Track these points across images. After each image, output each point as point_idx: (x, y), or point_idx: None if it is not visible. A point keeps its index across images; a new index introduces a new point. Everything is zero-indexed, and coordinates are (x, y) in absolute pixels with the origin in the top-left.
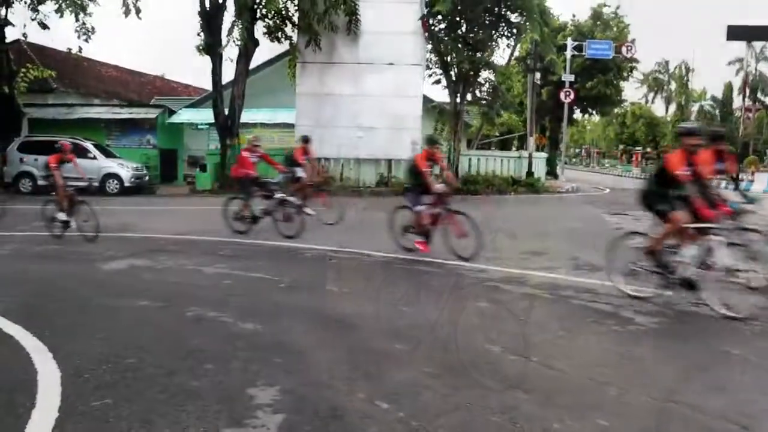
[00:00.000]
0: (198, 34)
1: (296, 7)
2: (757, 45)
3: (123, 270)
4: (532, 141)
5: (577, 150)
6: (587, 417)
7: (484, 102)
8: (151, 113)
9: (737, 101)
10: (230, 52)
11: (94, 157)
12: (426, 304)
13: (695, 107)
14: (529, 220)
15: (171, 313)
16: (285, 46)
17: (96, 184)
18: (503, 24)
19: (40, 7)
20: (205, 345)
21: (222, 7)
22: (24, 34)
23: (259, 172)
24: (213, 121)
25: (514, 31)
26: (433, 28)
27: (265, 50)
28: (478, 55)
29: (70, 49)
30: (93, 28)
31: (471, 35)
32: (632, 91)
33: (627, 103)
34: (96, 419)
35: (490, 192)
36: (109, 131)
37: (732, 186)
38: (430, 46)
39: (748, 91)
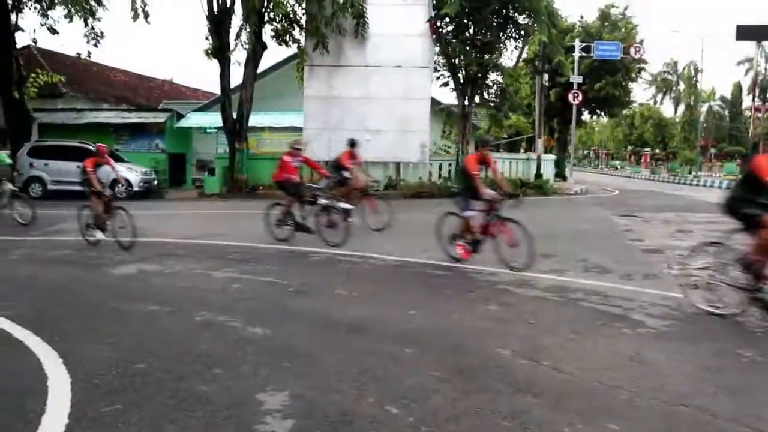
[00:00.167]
0: (206, 38)
1: (304, 11)
2: (767, 44)
3: (132, 275)
4: (540, 143)
5: (586, 152)
6: (597, 421)
7: (492, 104)
8: (159, 117)
9: (746, 101)
10: (238, 56)
11: None
12: (435, 307)
13: (704, 108)
14: (538, 223)
15: (180, 317)
16: (293, 49)
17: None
18: (511, 26)
19: (49, 13)
20: (214, 349)
21: (230, 11)
22: (34, 40)
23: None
24: (221, 124)
25: (522, 32)
26: (440, 30)
27: (273, 54)
28: (486, 57)
29: (79, 54)
30: (102, 32)
31: (479, 37)
32: (641, 92)
33: (635, 104)
34: (106, 425)
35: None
36: (118, 136)
37: None
38: (437, 49)
39: (757, 90)
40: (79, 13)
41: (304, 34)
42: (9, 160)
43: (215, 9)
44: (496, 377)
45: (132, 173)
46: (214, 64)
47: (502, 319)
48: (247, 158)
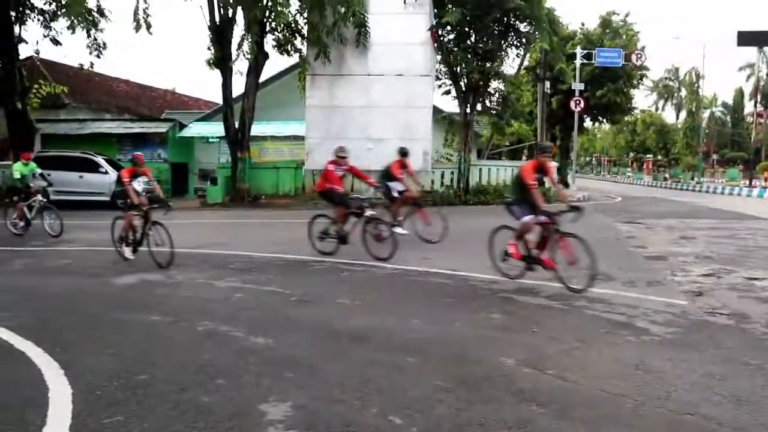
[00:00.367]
0: (208, 48)
1: (305, 20)
2: None
3: (134, 284)
4: None
5: (588, 158)
6: (603, 430)
7: (494, 112)
8: (161, 127)
9: (748, 107)
10: (240, 66)
11: (106, 172)
12: (438, 316)
13: (706, 114)
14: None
15: (182, 327)
16: (295, 58)
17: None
18: (512, 34)
19: (52, 24)
20: (216, 360)
21: (232, 21)
22: (37, 51)
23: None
24: (223, 134)
25: (524, 40)
26: (442, 38)
27: (275, 63)
28: (488, 65)
29: (81, 65)
30: (104, 43)
31: (480, 45)
32: (642, 99)
33: (637, 110)
34: None
35: (501, 202)
36: (120, 146)
37: None
38: (439, 57)
39: (759, 96)
40: (82, 25)
41: (305, 43)
42: (39, 170)
43: (217, 19)
44: (501, 387)
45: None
46: (216, 74)
47: (506, 328)
48: (249, 167)
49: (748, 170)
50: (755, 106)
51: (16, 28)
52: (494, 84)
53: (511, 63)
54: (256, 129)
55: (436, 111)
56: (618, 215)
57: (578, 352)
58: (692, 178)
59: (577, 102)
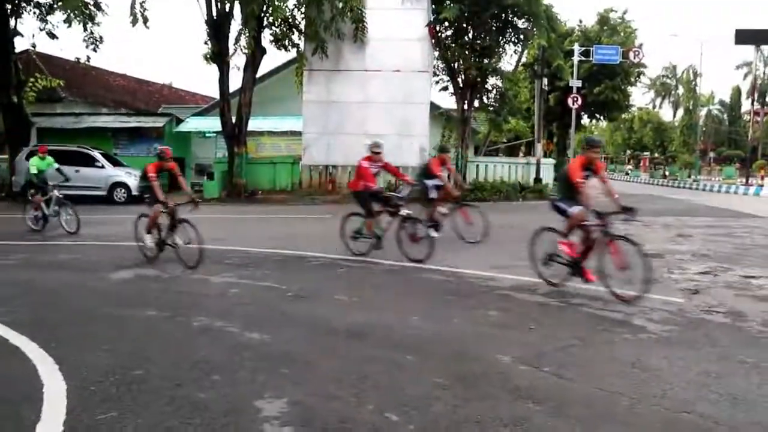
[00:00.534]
0: (205, 43)
1: (303, 15)
2: (766, 48)
3: (130, 279)
4: (539, 147)
5: None
6: (599, 428)
7: (491, 108)
8: (158, 122)
9: (745, 105)
10: (237, 61)
11: (102, 166)
12: (435, 312)
13: (703, 111)
14: (538, 227)
15: (178, 323)
16: (292, 53)
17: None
18: (510, 30)
19: (49, 18)
20: (211, 356)
21: (229, 16)
22: (33, 44)
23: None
24: (220, 129)
25: (521, 37)
26: (440, 34)
27: (272, 58)
28: (485, 61)
29: (78, 59)
30: (101, 37)
31: (478, 42)
32: (640, 96)
33: (634, 108)
34: None
35: (497, 198)
36: (116, 140)
37: None
38: (437, 53)
39: (756, 94)
40: (79, 18)
41: (303, 38)
42: (56, 165)
43: (214, 14)
44: (497, 384)
45: (131, 178)
46: (214, 69)
47: (503, 325)
48: (246, 163)
49: (745, 168)
50: (752, 104)
51: (12, 21)
52: (492, 80)
53: (509, 59)
54: (253, 124)
55: (434, 107)
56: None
57: (575, 350)
58: (689, 176)
59: (575, 99)
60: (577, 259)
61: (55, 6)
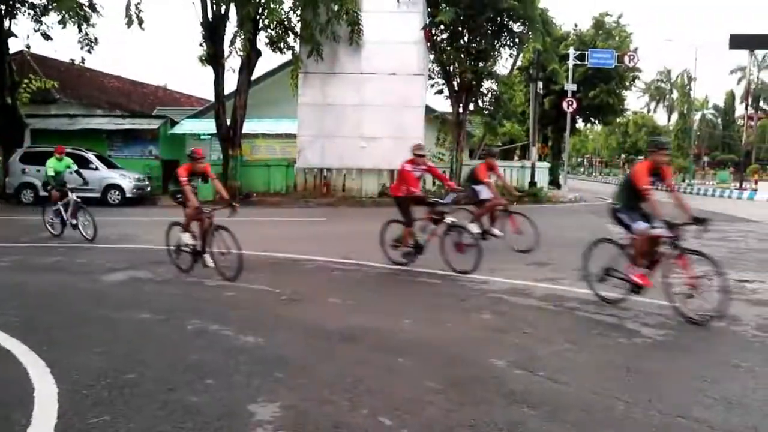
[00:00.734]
0: (200, 45)
1: (298, 18)
2: (759, 53)
3: (123, 282)
4: (534, 151)
5: (580, 159)
6: None
7: (486, 112)
8: (153, 124)
9: (739, 109)
10: (233, 63)
11: (96, 168)
12: (429, 316)
13: (697, 116)
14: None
15: (171, 326)
16: (287, 56)
17: (98, 194)
18: (506, 34)
19: (43, 19)
20: (205, 359)
21: (224, 18)
22: (27, 45)
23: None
24: (215, 131)
25: (517, 40)
26: (435, 38)
27: (268, 61)
28: (481, 64)
29: (72, 60)
30: (96, 39)
31: (473, 45)
32: (634, 100)
33: (629, 112)
34: None
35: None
36: (111, 142)
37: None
38: (432, 56)
39: (750, 99)
40: (73, 19)
41: (298, 41)
42: (75, 166)
43: (210, 16)
44: (492, 388)
45: (125, 180)
46: (209, 71)
47: (497, 329)
48: (240, 165)
49: (739, 173)
50: (746, 108)
51: (6, 22)
52: (487, 84)
53: (504, 63)
54: (248, 126)
55: (429, 110)
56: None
57: (569, 354)
58: (683, 180)
59: (570, 103)
60: (645, 262)
61: (50, 7)
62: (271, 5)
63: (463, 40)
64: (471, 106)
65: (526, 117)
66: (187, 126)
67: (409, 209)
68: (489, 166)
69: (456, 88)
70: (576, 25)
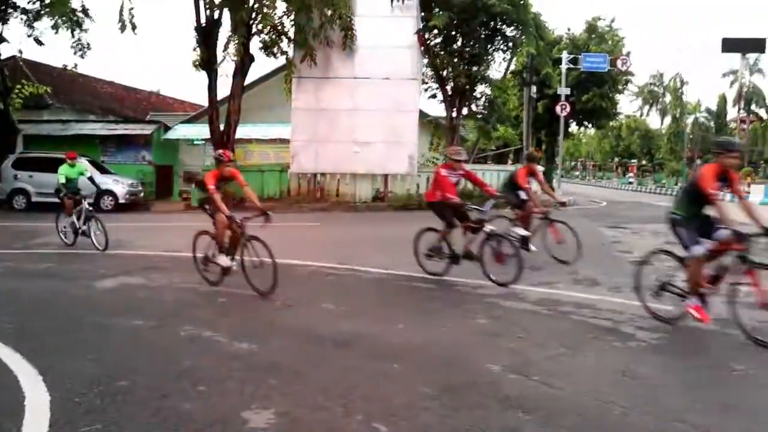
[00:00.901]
0: (194, 50)
1: (292, 23)
2: (751, 57)
3: (116, 288)
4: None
5: (573, 163)
6: None
7: (480, 116)
8: (146, 129)
9: (731, 113)
10: (226, 68)
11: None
12: (423, 321)
13: (690, 119)
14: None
15: (164, 332)
16: (281, 61)
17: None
18: (499, 38)
19: (36, 24)
20: (198, 366)
21: (218, 23)
22: (20, 51)
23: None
24: (209, 136)
25: (510, 44)
26: (428, 42)
27: (261, 65)
28: (474, 69)
29: (65, 65)
30: (89, 44)
31: (467, 49)
32: (627, 104)
33: (622, 115)
34: None
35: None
36: (104, 147)
37: None
38: (426, 61)
39: (742, 102)
40: (66, 25)
41: (292, 45)
42: (89, 173)
43: (203, 20)
44: (487, 393)
45: (118, 185)
46: (202, 76)
47: (492, 333)
48: None
49: None
50: (738, 111)
51: None
52: (480, 88)
53: (498, 67)
54: (242, 131)
55: (423, 114)
56: (603, 220)
57: (565, 358)
58: (676, 183)
59: (563, 107)
60: (701, 290)
61: (43, 12)
62: (265, 10)
63: (457, 45)
64: (465, 111)
65: (520, 121)
66: (180, 131)
67: (446, 214)
68: (530, 171)
69: (449, 93)
70: (569, 29)
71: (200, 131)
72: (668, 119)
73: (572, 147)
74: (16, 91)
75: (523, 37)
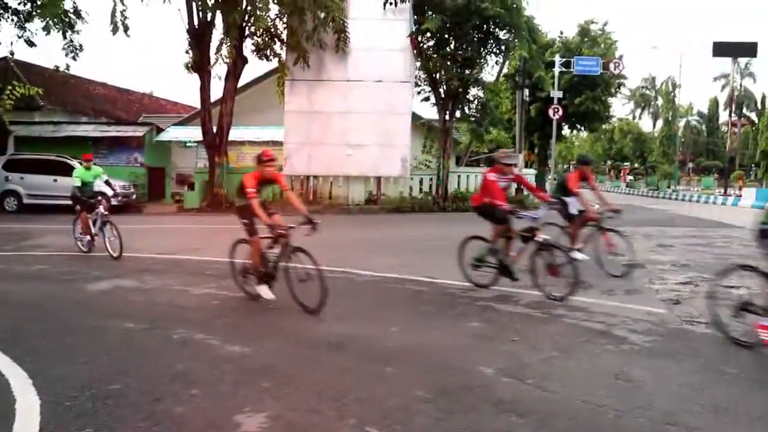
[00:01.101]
0: (186, 52)
1: (285, 25)
2: (742, 61)
3: (108, 290)
4: (521, 158)
5: (566, 166)
6: None
7: (473, 119)
8: (138, 131)
9: (723, 116)
10: (219, 70)
11: None
12: (417, 324)
13: (682, 122)
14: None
15: (157, 335)
16: (274, 63)
17: None
18: (492, 41)
19: (27, 25)
20: (191, 369)
21: (210, 25)
22: (11, 52)
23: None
24: (201, 138)
25: (503, 48)
26: (421, 45)
27: (254, 68)
28: (467, 72)
29: (57, 67)
30: (81, 45)
31: (460, 52)
32: (620, 107)
33: (615, 118)
34: None
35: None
36: (96, 149)
37: None
38: (418, 64)
39: (733, 106)
40: (58, 26)
41: (285, 48)
42: (105, 176)
43: (196, 23)
44: (480, 396)
45: (109, 187)
46: (195, 78)
47: (485, 337)
48: (226, 172)
49: (723, 179)
50: (730, 115)
51: None
52: (473, 91)
53: (491, 70)
54: (234, 134)
55: (415, 117)
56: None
57: (558, 361)
58: (668, 186)
59: (556, 110)
60: None
61: (34, 13)
62: (258, 12)
63: (450, 48)
64: (457, 113)
65: (513, 124)
66: (173, 133)
67: (497, 217)
68: (582, 175)
69: (442, 95)
70: (561, 33)
71: (193, 133)
72: (660, 122)
73: (565, 150)
74: (8, 92)
75: (516, 40)
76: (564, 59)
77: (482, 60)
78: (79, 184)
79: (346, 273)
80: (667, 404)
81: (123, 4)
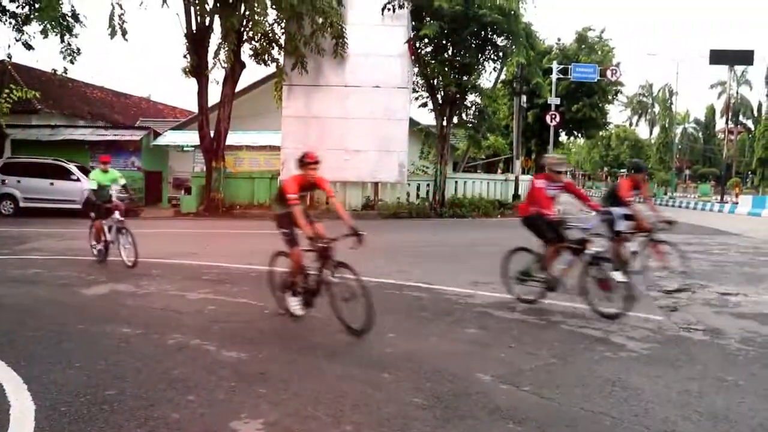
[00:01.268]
0: (184, 56)
1: (283, 30)
2: (739, 68)
3: (104, 295)
4: (518, 164)
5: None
6: None
7: (470, 125)
8: (136, 135)
9: (720, 123)
10: (216, 75)
11: (77, 179)
12: (414, 330)
13: (679, 130)
14: (516, 244)
15: (152, 340)
16: (271, 68)
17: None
18: (490, 47)
19: (25, 28)
20: (187, 374)
21: (209, 30)
22: (9, 55)
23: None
24: (198, 143)
25: (501, 54)
26: (419, 51)
27: (252, 73)
28: (465, 78)
29: (54, 70)
30: (79, 49)
31: (457, 58)
32: (617, 114)
33: (612, 125)
34: None
35: (476, 215)
36: (93, 153)
37: None
38: (416, 69)
39: (730, 113)
40: (56, 30)
41: (282, 53)
42: (123, 181)
43: (194, 27)
44: (477, 404)
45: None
46: (192, 83)
47: (482, 343)
48: (224, 177)
49: (720, 186)
50: (726, 122)
51: None
52: (471, 97)
53: (488, 77)
54: (232, 138)
55: (413, 123)
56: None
57: (555, 368)
58: (665, 193)
59: (553, 116)
60: None
61: (32, 16)
62: (256, 17)
63: (447, 54)
64: (455, 120)
65: (510, 130)
66: (170, 137)
67: (544, 228)
68: (634, 183)
69: (440, 102)
70: (559, 40)
71: (190, 138)
72: (657, 129)
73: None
74: (5, 95)
75: (514, 47)
76: (561, 66)
77: (480, 66)
78: (95, 187)
79: (343, 279)
80: (665, 412)
81: (121, 8)
